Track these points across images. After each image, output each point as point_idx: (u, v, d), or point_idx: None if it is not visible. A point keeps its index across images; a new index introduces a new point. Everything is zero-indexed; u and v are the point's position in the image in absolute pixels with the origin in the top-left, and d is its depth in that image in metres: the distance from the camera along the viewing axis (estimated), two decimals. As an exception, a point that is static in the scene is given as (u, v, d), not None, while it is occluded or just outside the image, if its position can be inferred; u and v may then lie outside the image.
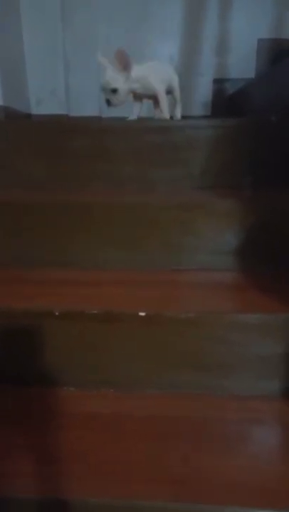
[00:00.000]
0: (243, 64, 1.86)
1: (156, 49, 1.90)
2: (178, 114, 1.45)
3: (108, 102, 1.21)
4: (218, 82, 1.89)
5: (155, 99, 1.34)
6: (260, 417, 0.70)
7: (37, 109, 1.93)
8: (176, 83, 1.40)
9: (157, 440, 0.64)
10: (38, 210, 0.95)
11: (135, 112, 1.33)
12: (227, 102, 1.83)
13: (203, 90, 1.91)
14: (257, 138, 1.08)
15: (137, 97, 1.30)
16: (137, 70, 1.19)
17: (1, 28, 1.59)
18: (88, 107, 1.90)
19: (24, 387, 0.76)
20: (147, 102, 1.38)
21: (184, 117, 1.42)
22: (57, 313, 0.73)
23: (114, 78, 1.17)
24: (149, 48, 1.90)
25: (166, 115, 1.27)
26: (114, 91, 1.18)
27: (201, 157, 1.09)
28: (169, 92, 1.41)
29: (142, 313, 0.72)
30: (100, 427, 0.67)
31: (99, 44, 1.87)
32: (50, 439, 0.64)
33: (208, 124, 1.08)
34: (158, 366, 0.75)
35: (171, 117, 1.32)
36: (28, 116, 1.88)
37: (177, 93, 1.43)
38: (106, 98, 1.20)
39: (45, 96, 1.94)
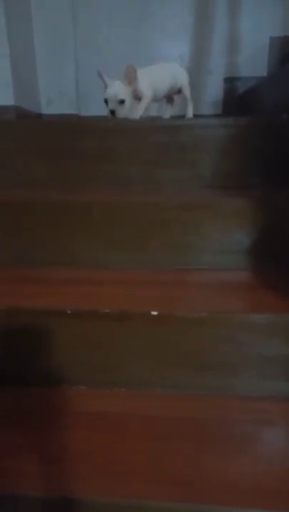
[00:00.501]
0: (254, 62, 1.85)
1: (166, 48, 1.90)
2: (189, 113, 1.46)
3: (113, 113, 1.24)
4: (229, 81, 1.88)
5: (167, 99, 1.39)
6: (268, 418, 0.70)
7: (47, 109, 1.94)
8: (184, 81, 1.43)
9: (164, 441, 0.64)
10: (43, 210, 0.96)
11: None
12: (238, 100, 1.82)
13: (214, 89, 1.90)
14: (267, 137, 1.08)
15: None
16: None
17: (12, 28, 1.60)
18: (99, 106, 1.91)
19: (32, 387, 0.76)
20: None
21: (194, 116, 1.42)
22: (69, 312, 0.74)
23: (122, 91, 1.22)
24: (159, 47, 1.90)
25: (136, 116, 1.30)
26: (122, 102, 1.23)
27: (209, 157, 1.09)
28: (178, 91, 1.44)
29: (154, 313, 0.72)
30: (107, 427, 0.67)
31: (109, 44, 1.88)
32: (58, 438, 0.65)
33: (218, 123, 1.08)
34: (167, 366, 0.75)
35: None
36: (39, 116, 1.89)
37: (187, 91, 1.44)
38: (112, 109, 1.24)
39: (56, 96, 1.96)
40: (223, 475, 0.58)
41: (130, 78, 1.22)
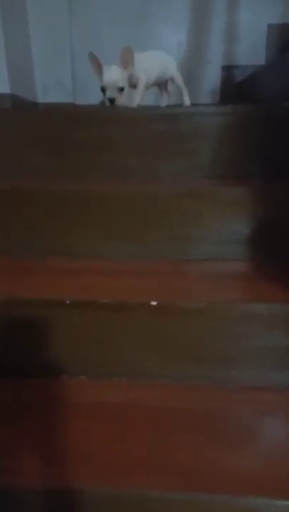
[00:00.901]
0: (252, 50, 1.82)
1: (163, 36, 1.87)
2: (186, 101, 1.43)
3: (112, 102, 1.16)
4: (227, 69, 1.86)
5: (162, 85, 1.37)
6: (270, 409, 0.70)
7: (43, 98, 1.92)
8: (174, 69, 1.39)
9: (165, 431, 0.64)
10: (42, 199, 0.95)
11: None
12: (236, 89, 1.80)
13: (212, 77, 1.88)
14: (267, 126, 1.06)
15: None
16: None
17: (8, 16, 1.56)
18: (95, 95, 1.88)
19: (31, 378, 0.76)
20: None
21: (188, 107, 1.40)
22: (68, 302, 0.73)
23: (121, 77, 1.15)
24: (156, 34, 1.86)
25: (134, 104, 1.25)
26: (122, 90, 1.16)
27: (209, 146, 1.07)
28: (170, 80, 1.42)
29: (154, 303, 0.72)
30: (107, 417, 0.67)
31: (105, 32, 1.85)
32: (57, 429, 0.65)
33: (217, 111, 1.06)
34: (167, 356, 0.75)
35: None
36: (35, 104, 1.86)
37: (179, 79, 1.42)
38: (111, 97, 1.16)
39: (52, 84, 1.93)
40: (224, 466, 0.58)
41: (127, 62, 1.15)
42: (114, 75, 1.14)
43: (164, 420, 0.67)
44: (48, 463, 0.58)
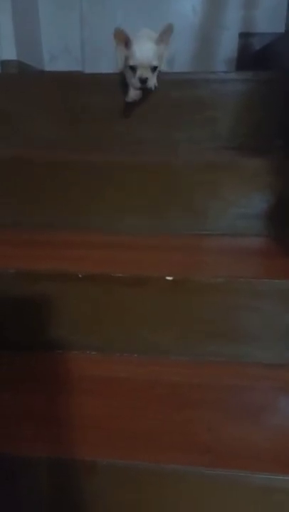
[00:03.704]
0: (272, 16, 1.72)
1: (177, 0, 1.77)
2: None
3: (143, 82, 0.98)
4: (245, 37, 1.76)
5: None
6: (286, 386, 0.68)
7: (50, 65, 1.85)
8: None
9: (180, 407, 0.63)
10: (52, 170, 0.92)
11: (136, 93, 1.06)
12: (254, 58, 1.71)
13: (228, 45, 1.78)
14: (290, 95, 1.01)
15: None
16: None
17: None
18: (104, 63, 1.81)
19: (43, 352, 0.75)
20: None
21: (207, 73, 1.31)
22: (80, 276, 0.71)
23: (156, 54, 0.98)
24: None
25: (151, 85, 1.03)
26: (155, 69, 0.99)
27: (227, 115, 1.02)
28: None
29: (169, 278, 0.70)
30: (120, 392, 0.66)
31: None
32: (68, 403, 0.64)
33: (237, 78, 1.00)
34: (183, 332, 0.73)
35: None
36: (42, 72, 1.80)
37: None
38: (143, 77, 0.98)
39: (60, 52, 1.85)
40: (240, 442, 0.57)
41: (167, 40, 1.01)
42: (149, 52, 0.98)
43: (177, 396, 0.65)
44: (58, 433, 0.58)
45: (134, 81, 0.99)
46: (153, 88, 1.02)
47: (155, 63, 0.98)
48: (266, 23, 1.74)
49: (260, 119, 1.01)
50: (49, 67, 1.86)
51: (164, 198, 0.89)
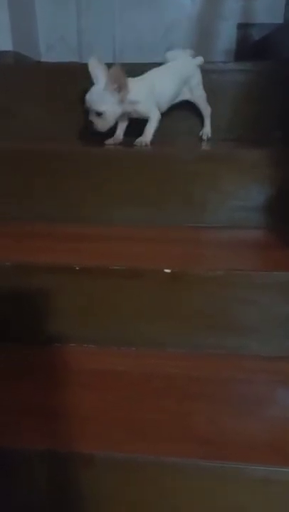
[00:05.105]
0: (270, 7, 1.70)
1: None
2: (207, 132, 1.06)
3: (91, 125, 0.97)
4: (243, 27, 1.74)
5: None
6: (285, 378, 0.68)
7: (47, 56, 1.82)
8: (195, 82, 1.01)
9: (179, 399, 0.63)
10: (49, 161, 0.90)
11: (119, 132, 1.04)
12: (252, 49, 1.70)
13: (227, 36, 1.77)
14: (289, 86, 1.00)
15: (124, 116, 1.03)
16: (131, 90, 0.94)
17: None
18: (101, 54, 1.79)
19: (40, 345, 0.74)
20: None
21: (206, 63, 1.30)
22: (77, 268, 0.70)
23: (103, 98, 0.93)
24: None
25: (146, 140, 0.98)
26: (100, 114, 0.94)
27: (226, 106, 1.01)
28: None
29: (168, 270, 0.69)
30: (118, 385, 0.66)
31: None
32: (66, 396, 0.63)
33: (235, 68, 0.99)
34: (182, 325, 0.73)
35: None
36: (38, 62, 1.78)
37: (202, 101, 1.03)
38: (89, 119, 0.96)
39: (56, 42, 1.83)
40: (239, 434, 0.56)
41: (119, 84, 0.92)
42: (92, 95, 0.94)
43: (176, 388, 0.65)
44: (56, 426, 0.57)
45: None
46: (144, 144, 0.96)
47: (98, 109, 0.93)
48: (265, 14, 1.72)
49: (258, 111, 1.00)
50: (46, 57, 1.84)
51: (162, 190, 0.88)
